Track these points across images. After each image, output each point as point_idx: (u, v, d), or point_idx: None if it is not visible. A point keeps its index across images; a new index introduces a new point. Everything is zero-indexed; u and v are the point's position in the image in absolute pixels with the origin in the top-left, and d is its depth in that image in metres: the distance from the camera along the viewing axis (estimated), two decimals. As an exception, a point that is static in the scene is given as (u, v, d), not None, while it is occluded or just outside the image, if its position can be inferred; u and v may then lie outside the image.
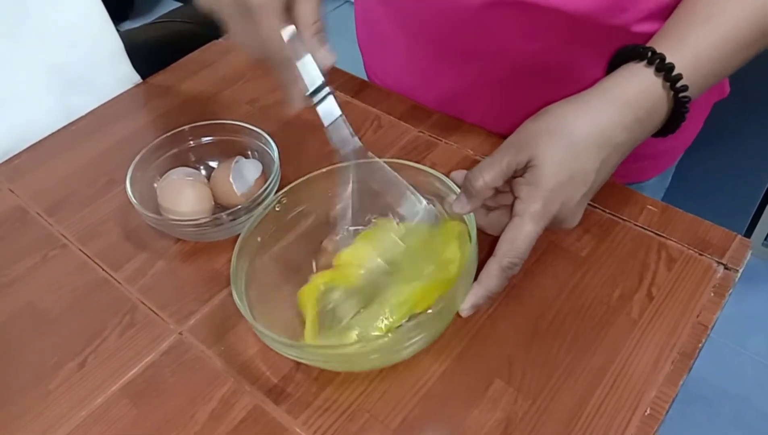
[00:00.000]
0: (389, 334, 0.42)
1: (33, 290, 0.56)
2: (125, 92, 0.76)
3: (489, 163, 0.47)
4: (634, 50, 0.49)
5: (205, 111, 0.71)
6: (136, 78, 0.78)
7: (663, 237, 0.54)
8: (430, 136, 0.66)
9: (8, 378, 0.50)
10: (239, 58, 0.79)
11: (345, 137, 0.48)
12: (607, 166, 0.47)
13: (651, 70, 0.47)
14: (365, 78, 0.80)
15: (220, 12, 0.44)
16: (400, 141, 0.66)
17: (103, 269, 0.57)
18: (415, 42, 0.67)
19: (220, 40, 0.83)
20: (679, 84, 0.47)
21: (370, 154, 0.49)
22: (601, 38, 0.56)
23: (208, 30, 0.87)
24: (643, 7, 0.54)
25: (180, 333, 0.52)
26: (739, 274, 0.51)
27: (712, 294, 0.50)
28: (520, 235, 0.45)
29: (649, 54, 0.47)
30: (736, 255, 0.52)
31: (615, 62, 0.50)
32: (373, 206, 0.52)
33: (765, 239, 1.48)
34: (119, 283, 0.56)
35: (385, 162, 0.50)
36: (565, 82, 0.60)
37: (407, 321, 0.46)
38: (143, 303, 0.54)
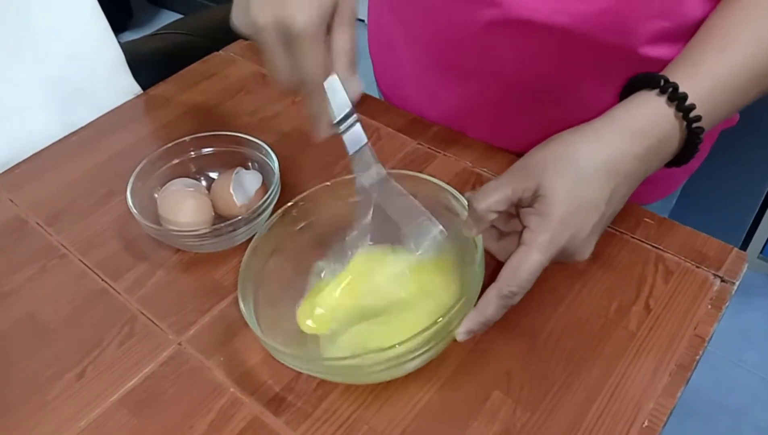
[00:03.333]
0: (396, 346, 0.41)
1: (32, 300, 0.56)
2: (125, 103, 0.77)
3: (494, 186, 0.46)
4: (647, 78, 0.47)
5: (205, 122, 0.72)
6: (137, 89, 0.78)
7: (660, 250, 0.55)
8: (429, 148, 0.66)
9: (7, 388, 0.50)
10: (239, 70, 0.80)
11: (368, 164, 0.48)
12: (618, 195, 0.46)
13: (663, 100, 0.46)
14: (375, 88, 0.80)
15: (258, 36, 0.43)
16: (399, 153, 0.66)
17: (103, 279, 0.57)
18: (420, 55, 0.68)
19: (220, 51, 0.83)
20: (692, 114, 0.46)
21: (394, 183, 0.49)
22: (605, 59, 0.56)
23: (209, 42, 0.87)
24: (648, 29, 0.54)
25: (179, 344, 0.52)
26: (735, 287, 0.52)
27: (709, 306, 0.50)
28: (524, 265, 0.43)
29: (662, 82, 0.46)
30: (732, 268, 0.53)
31: (627, 90, 0.49)
32: (389, 235, 0.51)
33: (761, 252, 1.48)
34: (118, 293, 0.56)
35: (392, 172, 0.50)
36: (568, 103, 0.61)
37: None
38: (142, 313, 0.54)
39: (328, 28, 0.44)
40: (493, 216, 0.46)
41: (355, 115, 0.46)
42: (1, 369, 0.51)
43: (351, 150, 0.47)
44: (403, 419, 0.45)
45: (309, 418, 0.46)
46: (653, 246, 0.55)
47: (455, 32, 0.61)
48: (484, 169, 0.63)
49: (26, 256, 0.60)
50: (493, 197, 0.45)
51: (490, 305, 0.44)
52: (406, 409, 0.46)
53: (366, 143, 0.47)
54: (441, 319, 0.41)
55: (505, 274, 0.44)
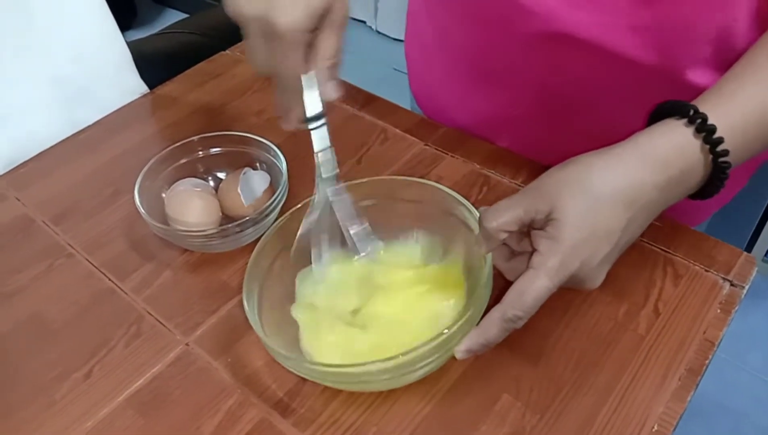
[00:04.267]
0: (400, 356, 0.41)
1: (38, 300, 0.56)
2: (132, 102, 0.76)
3: (506, 205, 0.44)
4: (676, 106, 0.45)
5: (212, 122, 0.72)
6: (143, 88, 0.78)
7: (669, 253, 0.54)
8: (437, 149, 0.66)
9: (13, 388, 0.50)
10: (246, 70, 0.80)
11: (330, 166, 0.49)
12: (635, 225, 0.44)
13: (691, 130, 0.44)
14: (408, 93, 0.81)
15: (243, 25, 0.44)
16: (406, 154, 0.66)
17: (110, 279, 0.57)
18: (452, 60, 0.68)
19: (227, 51, 0.83)
20: (719, 148, 0.43)
21: (342, 188, 0.50)
22: (646, 81, 0.55)
23: (215, 41, 0.87)
24: (693, 54, 0.52)
25: (186, 344, 0.51)
26: (745, 291, 0.51)
27: (719, 310, 0.50)
28: (530, 289, 0.41)
29: (691, 112, 0.44)
30: (742, 272, 0.52)
31: (656, 116, 0.47)
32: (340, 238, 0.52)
33: (765, 255, 1.48)
34: (125, 293, 0.56)
35: (390, 179, 0.51)
36: (602, 120, 0.60)
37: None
38: (149, 313, 0.54)
39: (317, 30, 0.45)
40: (504, 235, 0.44)
41: (324, 118, 0.48)
42: (8, 369, 0.51)
43: (317, 148, 0.48)
44: (411, 422, 0.45)
45: (316, 421, 0.46)
46: (662, 249, 0.55)
47: (490, 40, 0.61)
48: (492, 171, 0.63)
49: (32, 255, 0.59)
50: (504, 217, 0.43)
51: (493, 327, 0.42)
52: (414, 412, 0.46)
53: (329, 147, 0.48)
54: (445, 331, 0.41)
55: (510, 296, 0.42)
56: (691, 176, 0.45)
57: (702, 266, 0.53)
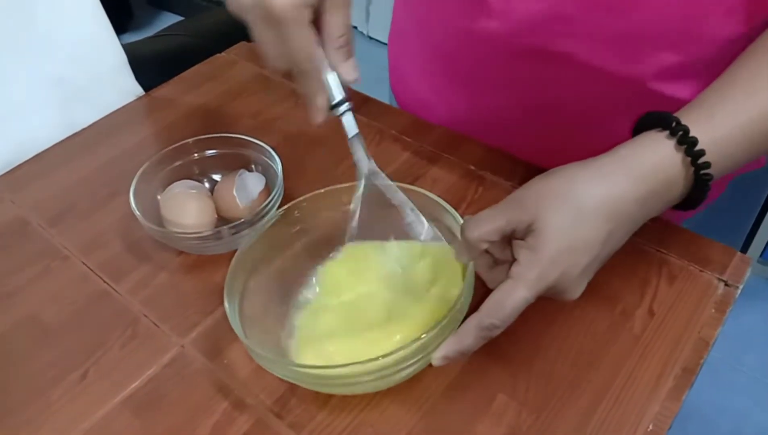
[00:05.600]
0: (380, 358, 0.41)
1: (34, 302, 0.56)
2: (127, 105, 0.77)
3: (488, 216, 0.43)
4: (660, 117, 0.44)
5: (208, 124, 0.72)
6: (139, 91, 0.78)
7: (664, 253, 0.55)
8: (432, 150, 0.66)
9: (9, 390, 0.49)
10: (242, 72, 0.80)
11: (360, 157, 0.48)
12: (615, 237, 0.43)
13: (672, 142, 0.43)
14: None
15: (246, 17, 0.43)
16: (402, 155, 0.66)
17: (105, 281, 0.57)
18: (428, 55, 0.68)
19: (222, 53, 0.83)
20: (700, 160, 0.43)
21: (383, 175, 0.49)
22: (616, 91, 0.55)
23: (210, 43, 0.87)
24: (658, 62, 0.53)
25: (182, 346, 0.51)
26: (739, 291, 0.52)
27: (713, 310, 0.50)
28: (508, 299, 0.41)
29: (673, 124, 0.43)
30: (736, 272, 0.53)
31: (640, 127, 0.46)
32: (376, 229, 0.52)
33: (760, 256, 1.49)
34: (121, 295, 0.56)
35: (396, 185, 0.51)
36: (579, 127, 0.61)
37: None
38: (145, 315, 0.54)
39: (321, 9, 0.43)
40: (485, 245, 0.44)
41: (347, 104, 0.46)
42: (4, 370, 0.51)
43: (349, 134, 0.47)
44: (407, 422, 0.45)
45: (312, 421, 0.46)
46: (657, 250, 0.55)
47: (461, 43, 0.61)
48: (487, 172, 0.63)
49: (28, 257, 0.59)
50: (486, 227, 0.43)
51: (469, 335, 0.42)
52: (411, 411, 0.46)
53: (356, 134, 0.47)
54: (423, 336, 0.41)
55: (488, 305, 0.42)
56: (673, 188, 0.44)
57: (696, 266, 0.53)
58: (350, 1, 0.44)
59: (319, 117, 0.46)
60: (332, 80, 0.45)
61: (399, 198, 0.49)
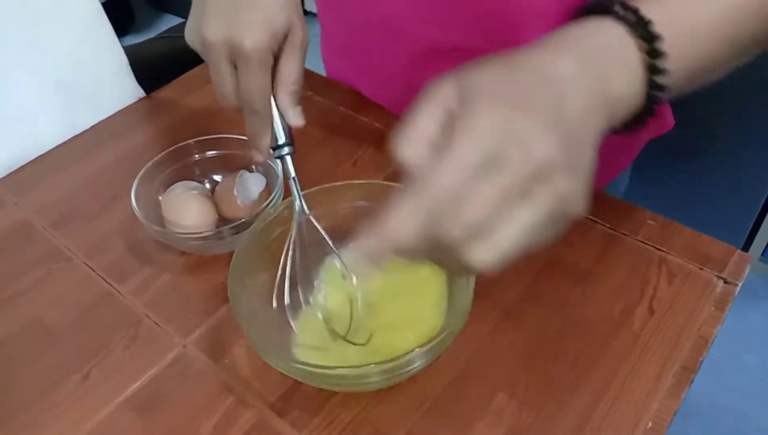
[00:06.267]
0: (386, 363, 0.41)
1: (38, 304, 0.56)
2: (129, 107, 0.77)
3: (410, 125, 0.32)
4: (595, 6, 0.37)
5: (209, 125, 0.72)
6: (140, 93, 0.78)
7: (663, 251, 0.55)
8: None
9: (13, 391, 0.50)
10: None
11: (295, 196, 0.49)
12: (570, 105, 0.32)
13: (619, 24, 0.36)
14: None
15: (207, 53, 0.45)
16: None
17: (108, 283, 0.57)
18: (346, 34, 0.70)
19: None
20: (657, 45, 0.35)
21: (312, 219, 0.49)
22: None
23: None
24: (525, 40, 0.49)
25: (184, 346, 0.52)
26: (738, 288, 0.52)
27: (713, 308, 0.50)
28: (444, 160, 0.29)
29: (615, 7, 0.36)
30: (736, 269, 0.53)
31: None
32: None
33: (762, 255, 1.49)
34: (124, 296, 0.56)
35: (380, 184, 0.51)
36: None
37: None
38: (148, 316, 0.54)
39: (279, 57, 0.46)
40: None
41: (287, 148, 0.48)
42: (8, 371, 0.51)
43: (288, 175, 0.49)
44: (407, 420, 0.46)
45: (314, 420, 0.46)
46: (656, 248, 0.55)
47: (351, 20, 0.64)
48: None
49: (32, 259, 0.60)
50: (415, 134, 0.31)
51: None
52: (411, 410, 0.46)
53: (292, 178, 0.49)
54: (417, 349, 0.41)
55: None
56: (620, 64, 0.35)
57: (696, 264, 0.54)
58: (305, 54, 0.47)
59: (260, 157, 0.49)
60: (278, 124, 0.48)
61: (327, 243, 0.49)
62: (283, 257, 0.48)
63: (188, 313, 0.54)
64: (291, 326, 0.50)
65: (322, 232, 0.49)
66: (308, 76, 0.77)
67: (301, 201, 0.49)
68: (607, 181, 0.72)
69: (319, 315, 0.50)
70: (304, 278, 0.50)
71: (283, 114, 0.48)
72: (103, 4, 0.75)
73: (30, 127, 0.71)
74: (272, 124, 0.48)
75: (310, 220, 0.49)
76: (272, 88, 0.47)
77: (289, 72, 0.46)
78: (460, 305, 0.44)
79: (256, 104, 0.46)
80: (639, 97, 0.37)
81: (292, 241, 0.48)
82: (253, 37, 0.43)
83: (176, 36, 1.01)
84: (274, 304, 0.48)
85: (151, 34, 1.06)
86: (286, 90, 0.47)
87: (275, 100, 0.48)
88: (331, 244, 0.49)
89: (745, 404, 1.36)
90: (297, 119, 0.48)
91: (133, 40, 1.03)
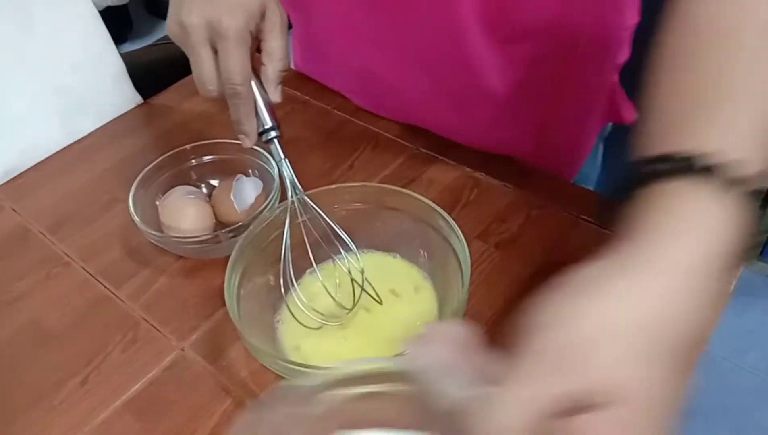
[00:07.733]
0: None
1: (36, 308, 0.56)
2: (127, 113, 0.77)
3: (514, 398, 0.28)
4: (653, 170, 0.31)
5: (206, 130, 0.72)
6: (138, 99, 0.79)
7: (657, 251, 0.55)
8: (427, 153, 0.67)
9: (11, 395, 0.50)
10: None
11: (288, 177, 0.50)
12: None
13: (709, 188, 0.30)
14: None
15: (188, 39, 0.47)
16: (398, 158, 0.67)
17: (105, 287, 0.57)
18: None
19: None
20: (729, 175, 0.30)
21: (309, 201, 0.51)
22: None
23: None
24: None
25: (182, 349, 0.52)
26: (732, 287, 0.52)
27: (707, 306, 0.50)
28: None
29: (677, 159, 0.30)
30: (729, 268, 0.53)
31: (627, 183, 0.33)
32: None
33: (761, 254, 1.49)
34: (121, 300, 0.56)
35: (377, 186, 0.52)
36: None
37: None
38: (145, 320, 0.54)
39: (259, 35, 0.48)
40: None
41: (274, 132, 0.50)
42: (6, 376, 0.51)
43: (276, 158, 0.51)
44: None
45: (311, 421, 0.46)
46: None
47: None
48: (482, 174, 0.64)
49: (30, 264, 0.60)
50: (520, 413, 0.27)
51: None
52: (408, 411, 0.46)
53: (283, 159, 0.50)
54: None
55: None
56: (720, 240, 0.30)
57: (690, 263, 0.54)
58: (286, 30, 0.49)
59: (249, 142, 0.50)
60: (262, 108, 0.49)
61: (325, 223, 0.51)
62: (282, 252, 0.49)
63: (185, 316, 0.54)
64: (288, 327, 0.50)
65: (318, 210, 0.50)
66: (303, 82, 0.78)
67: (294, 179, 0.50)
68: (574, 172, 0.70)
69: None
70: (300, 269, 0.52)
71: (267, 89, 0.49)
72: (101, 12, 0.75)
73: (29, 133, 0.72)
74: (256, 110, 0.49)
75: (305, 199, 0.50)
76: (256, 69, 0.49)
77: (276, 47, 0.49)
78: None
79: (237, 83, 0.47)
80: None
81: (286, 234, 0.50)
82: (230, 18, 0.45)
83: (173, 43, 1.01)
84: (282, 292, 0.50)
85: (148, 41, 1.07)
86: (275, 66, 0.49)
87: (263, 76, 0.49)
88: (327, 219, 0.50)
89: (745, 403, 1.36)
90: (277, 95, 0.50)
91: (131, 47, 1.03)
